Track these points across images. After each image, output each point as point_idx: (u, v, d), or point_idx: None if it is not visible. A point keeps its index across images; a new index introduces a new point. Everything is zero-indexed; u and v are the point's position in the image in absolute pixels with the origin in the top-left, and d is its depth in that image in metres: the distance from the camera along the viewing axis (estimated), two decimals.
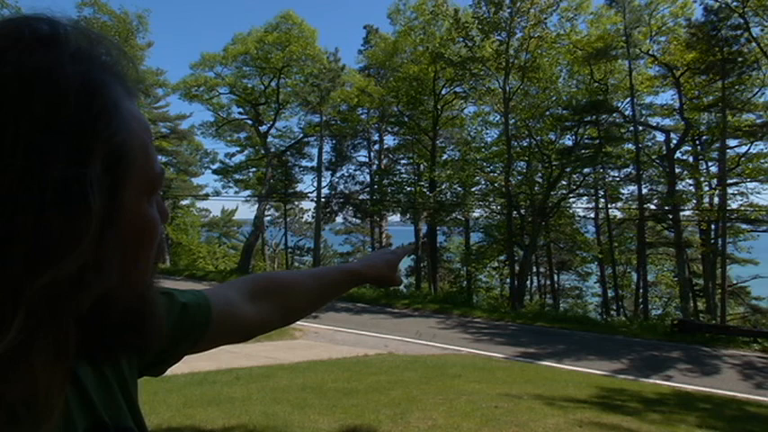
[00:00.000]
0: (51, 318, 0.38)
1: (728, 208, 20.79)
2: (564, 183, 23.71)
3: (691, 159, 23.71)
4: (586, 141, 23.48)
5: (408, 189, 27.24)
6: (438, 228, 27.57)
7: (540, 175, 24.54)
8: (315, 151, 30.28)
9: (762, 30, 19.03)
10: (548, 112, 23.87)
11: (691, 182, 23.47)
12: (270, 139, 30.72)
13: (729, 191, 20.96)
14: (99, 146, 0.39)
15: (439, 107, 25.98)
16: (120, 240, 0.42)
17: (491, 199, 25.27)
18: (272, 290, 0.88)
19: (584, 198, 26.02)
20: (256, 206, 29.99)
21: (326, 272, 1.00)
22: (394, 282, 1.06)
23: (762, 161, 21.22)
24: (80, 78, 0.39)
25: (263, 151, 30.69)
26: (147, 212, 0.46)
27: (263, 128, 30.12)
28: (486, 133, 27.12)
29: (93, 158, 0.38)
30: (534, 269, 27.18)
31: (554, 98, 23.93)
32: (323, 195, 29.25)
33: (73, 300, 0.39)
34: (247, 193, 33.01)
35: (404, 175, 29.22)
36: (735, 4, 18.72)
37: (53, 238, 0.36)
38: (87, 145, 0.38)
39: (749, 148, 21.53)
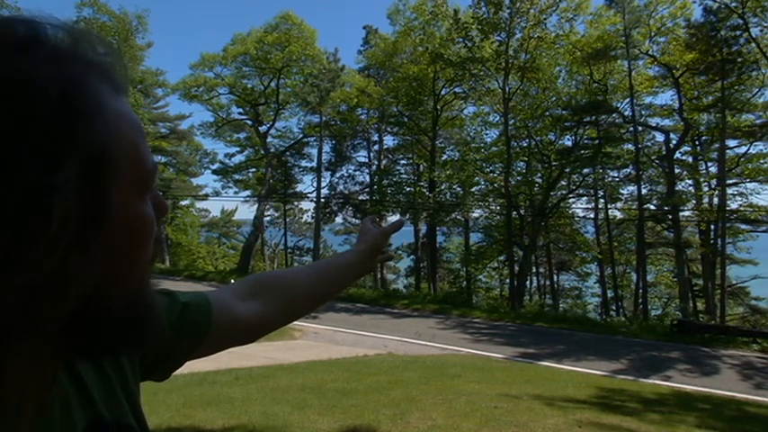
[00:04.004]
0: (28, 322, 0.38)
1: (728, 208, 20.80)
2: (563, 183, 23.72)
3: (690, 160, 23.73)
4: (586, 142, 23.50)
5: (408, 189, 27.24)
6: (438, 228, 27.58)
7: (539, 175, 24.56)
8: (314, 151, 30.36)
9: (761, 30, 19.04)
10: (547, 113, 23.88)
11: (690, 182, 23.49)
12: (269, 139, 30.78)
13: (729, 191, 20.98)
14: (78, 148, 0.38)
15: (438, 107, 25.99)
16: (107, 240, 0.41)
17: (491, 199, 25.27)
18: (269, 287, 0.88)
19: (584, 198, 26.09)
20: (256, 206, 30.03)
21: (324, 265, 1.00)
22: (382, 243, 1.04)
23: (761, 161, 21.24)
24: (59, 80, 0.39)
25: (262, 151, 30.70)
26: (140, 210, 0.45)
27: (262, 128, 30.14)
28: (486, 134, 27.19)
29: (71, 161, 0.38)
30: (534, 269, 27.20)
31: (553, 98, 23.95)
32: (322, 196, 29.28)
33: (52, 303, 0.39)
34: (247, 193, 33.09)
35: (403, 176, 29.26)
36: (734, 4, 18.73)
37: (23, 243, 0.36)
38: (63, 148, 0.38)
39: (748, 149, 21.58)
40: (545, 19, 22.06)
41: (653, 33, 21.30)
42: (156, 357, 0.67)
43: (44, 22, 0.42)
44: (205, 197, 36.39)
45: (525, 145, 25.10)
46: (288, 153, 31.62)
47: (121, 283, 0.45)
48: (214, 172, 33.51)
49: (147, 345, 0.50)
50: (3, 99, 0.37)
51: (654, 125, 24.04)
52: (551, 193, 23.29)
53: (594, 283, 27.99)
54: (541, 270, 28.72)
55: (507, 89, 22.68)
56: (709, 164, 23.49)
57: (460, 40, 23.42)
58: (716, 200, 21.39)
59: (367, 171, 31.05)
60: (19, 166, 0.36)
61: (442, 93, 26.15)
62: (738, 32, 19.19)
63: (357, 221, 33.20)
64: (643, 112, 23.88)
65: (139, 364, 0.62)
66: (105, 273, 0.43)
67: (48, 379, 0.45)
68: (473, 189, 26.01)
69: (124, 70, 0.46)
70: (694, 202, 22.69)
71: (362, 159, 31.21)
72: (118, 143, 0.42)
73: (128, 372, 0.59)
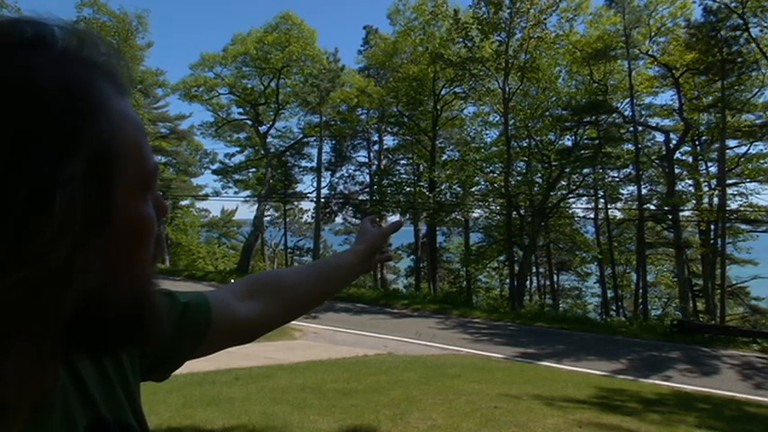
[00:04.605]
0: (31, 319, 0.38)
1: (728, 208, 20.80)
2: (563, 183, 23.72)
3: (690, 160, 23.74)
4: (586, 142, 23.50)
5: (408, 189, 27.23)
6: (438, 228, 27.58)
7: (539, 175, 24.55)
8: (314, 151, 30.36)
9: (761, 30, 19.04)
10: (547, 113, 23.88)
11: (690, 182, 23.50)
12: (269, 139, 30.78)
13: (729, 191, 20.99)
14: (82, 147, 0.39)
15: (438, 107, 25.99)
16: (110, 239, 0.42)
17: (490, 199, 25.28)
18: (268, 287, 0.88)
19: (584, 198, 26.09)
20: (256, 206, 30.03)
21: (323, 265, 1.00)
22: (381, 243, 1.05)
23: (761, 161, 21.24)
24: (63, 80, 0.40)
25: (262, 151, 30.70)
26: (142, 210, 0.46)
27: (262, 128, 30.13)
28: (486, 134, 27.19)
29: (75, 160, 0.38)
30: (534, 269, 27.19)
31: (553, 98, 23.95)
32: (322, 196, 29.28)
33: (55, 300, 0.39)
34: (247, 193, 33.09)
35: (403, 176, 29.25)
36: (734, 4, 18.73)
37: (28, 240, 0.36)
38: (68, 147, 0.38)
39: (748, 149, 21.60)
40: (545, 19, 22.06)
41: (653, 33, 21.30)
42: (156, 357, 0.67)
43: (51, 23, 0.42)
44: (205, 197, 36.44)
45: (525, 145, 25.09)
46: (288, 153, 31.62)
47: (123, 283, 0.45)
48: (214, 172, 33.57)
49: (150, 344, 0.50)
50: (10, 98, 0.37)
51: (654, 125, 24.08)
52: (551, 193, 23.29)
53: (594, 283, 27.99)
54: (541, 270, 28.72)
55: (507, 89, 22.67)
56: (710, 164, 23.51)
57: (460, 40, 23.41)
58: (716, 200, 21.40)
59: (367, 171, 31.06)
60: (25, 164, 0.36)
61: (442, 93, 26.14)
62: (738, 32, 19.19)
63: (357, 221, 33.19)
64: (643, 112, 23.91)
65: (139, 364, 0.63)
66: (107, 272, 0.43)
67: (49, 378, 0.45)
68: (473, 189, 26.02)
69: (127, 71, 0.47)
70: (694, 202, 22.70)
71: (362, 159, 31.26)
72: (121, 143, 0.42)
73: (128, 371, 0.59)
